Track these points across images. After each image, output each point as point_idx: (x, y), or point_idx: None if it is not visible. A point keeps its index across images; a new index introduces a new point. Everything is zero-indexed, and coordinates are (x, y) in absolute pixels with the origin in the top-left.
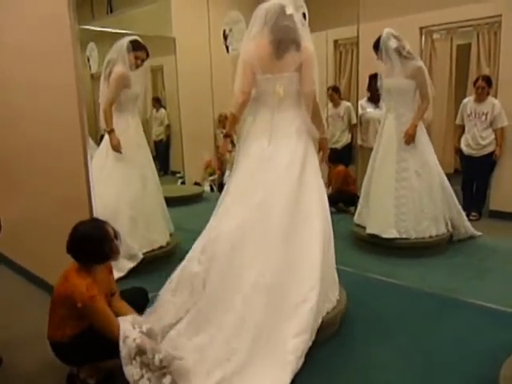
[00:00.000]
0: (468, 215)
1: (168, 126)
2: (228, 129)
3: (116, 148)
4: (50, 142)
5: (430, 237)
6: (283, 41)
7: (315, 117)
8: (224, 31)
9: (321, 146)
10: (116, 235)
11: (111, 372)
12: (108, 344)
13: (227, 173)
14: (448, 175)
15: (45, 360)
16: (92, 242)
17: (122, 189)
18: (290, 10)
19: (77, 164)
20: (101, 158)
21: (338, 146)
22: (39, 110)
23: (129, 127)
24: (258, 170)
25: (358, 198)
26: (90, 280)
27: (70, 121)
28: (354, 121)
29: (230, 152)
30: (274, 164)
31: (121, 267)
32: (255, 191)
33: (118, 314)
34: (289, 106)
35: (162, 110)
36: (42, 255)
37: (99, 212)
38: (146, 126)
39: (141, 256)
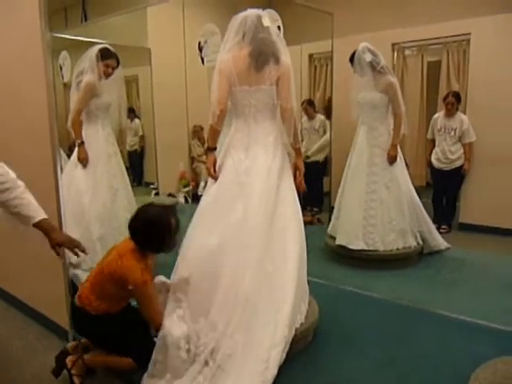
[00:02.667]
0: (438, 228)
1: (142, 137)
2: (210, 142)
3: (83, 161)
4: (20, 154)
5: (398, 249)
6: (263, 53)
7: (292, 130)
8: (199, 43)
9: (296, 165)
10: (177, 229)
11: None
12: (130, 338)
13: (202, 184)
14: (419, 188)
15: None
16: (160, 229)
17: (89, 200)
18: (266, 22)
19: (47, 177)
20: (70, 168)
21: (313, 159)
22: (7, 119)
23: (98, 137)
24: (235, 185)
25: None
26: (143, 265)
27: (39, 131)
28: (328, 134)
29: (205, 163)
30: (251, 178)
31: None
32: (232, 207)
33: None
34: (265, 119)
35: (137, 121)
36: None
37: (68, 227)
38: (120, 136)
39: None
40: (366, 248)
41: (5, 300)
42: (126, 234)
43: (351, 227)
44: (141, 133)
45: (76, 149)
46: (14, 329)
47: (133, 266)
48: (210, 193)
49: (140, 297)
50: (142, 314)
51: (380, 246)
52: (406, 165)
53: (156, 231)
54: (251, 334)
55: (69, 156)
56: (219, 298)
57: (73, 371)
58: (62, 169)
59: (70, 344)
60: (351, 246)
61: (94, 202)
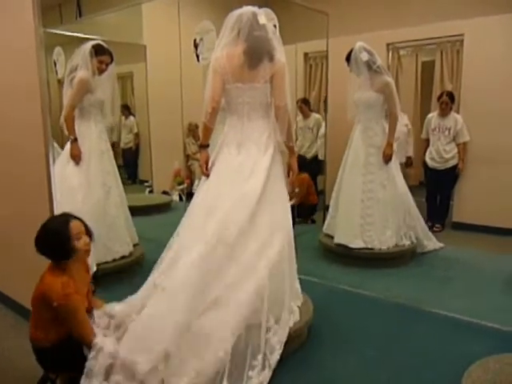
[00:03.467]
0: (432, 227)
1: (137, 134)
2: (203, 139)
3: (76, 158)
4: (12, 149)
5: (393, 247)
6: (257, 51)
7: (285, 128)
8: (195, 40)
9: (289, 165)
10: (88, 231)
11: None
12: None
13: (196, 182)
14: (413, 187)
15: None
16: (52, 236)
17: (83, 197)
18: (262, 20)
19: (39, 174)
20: (62, 165)
21: (308, 156)
22: (1, 116)
23: (91, 134)
24: (226, 183)
25: (316, 209)
26: (64, 278)
27: (33, 127)
28: (322, 133)
29: (199, 161)
30: (242, 175)
31: None
32: (221, 205)
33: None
34: (258, 116)
35: (131, 118)
36: (2, 269)
37: None
38: (112, 133)
39: (94, 268)
40: (364, 246)
41: None
42: (117, 231)
43: (349, 226)
44: (136, 130)
45: (68, 145)
46: (5, 328)
47: (51, 281)
48: (202, 190)
49: (65, 313)
50: (72, 331)
51: (377, 244)
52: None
53: (55, 236)
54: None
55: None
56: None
57: (58, 382)
58: (54, 159)
59: None
60: (351, 245)
61: (88, 199)
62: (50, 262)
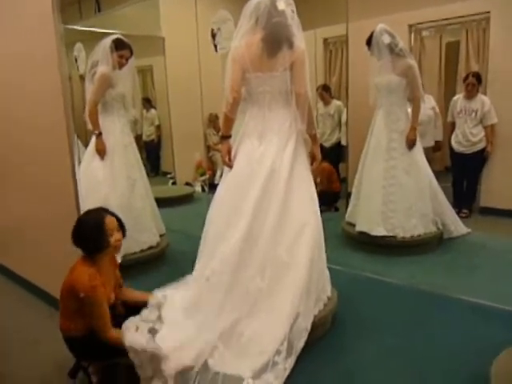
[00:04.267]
0: (459, 212)
1: (158, 127)
2: (224, 130)
3: (101, 153)
4: (36, 148)
5: (419, 235)
6: (276, 38)
7: (307, 116)
8: (212, 30)
9: (312, 153)
10: (121, 227)
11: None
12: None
13: (218, 173)
14: (438, 173)
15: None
16: (89, 229)
17: (108, 190)
18: (281, 6)
19: (64, 170)
20: (88, 159)
21: (328, 144)
22: (24, 114)
23: (115, 128)
24: (248, 173)
25: (339, 196)
26: (92, 270)
27: (56, 125)
28: (344, 119)
29: (220, 151)
30: (265, 167)
31: None
32: (246, 196)
33: (131, 301)
34: (279, 106)
35: (153, 111)
36: (35, 262)
37: None
38: (135, 126)
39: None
40: (386, 234)
41: (9, 277)
42: (144, 223)
43: (371, 213)
44: (157, 122)
45: (93, 140)
46: (39, 319)
47: (79, 272)
48: (226, 182)
49: (89, 305)
50: (91, 323)
51: (400, 231)
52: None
53: (89, 229)
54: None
55: (86, 146)
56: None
57: (90, 369)
58: (79, 161)
59: None
60: (373, 233)
61: (113, 192)
62: (81, 254)
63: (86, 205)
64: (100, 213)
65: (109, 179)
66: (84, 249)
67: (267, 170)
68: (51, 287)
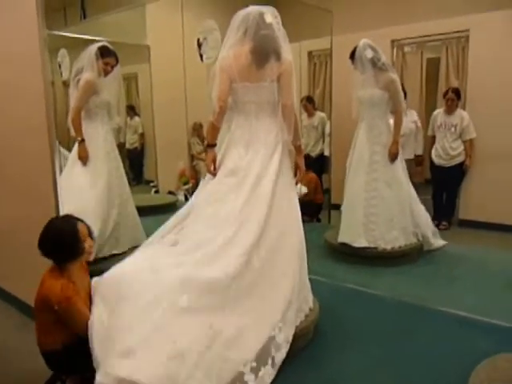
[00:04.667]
0: (438, 225)
1: (142, 135)
2: (210, 138)
3: (83, 159)
4: (18, 151)
5: (400, 247)
6: (264, 50)
7: (292, 127)
8: (198, 39)
9: (296, 164)
10: (90, 234)
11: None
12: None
13: (202, 182)
14: (419, 185)
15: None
16: (60, 237)
17: (88, 197)
18: (269, 19)
19: (45, 175)
20: (70, 165)
21: (313, 155)
22: (6, 117)
23: (98, 135)
24: (235, 184)
25: (321, 207)
26: (64, 280)
27: (37, 129)
28: (328, 131)
29: (204, 161)
30: (251, 176)
31: None
32: (227, 203)
33: None
34: (266, 116)
35: (136, 118)
36: (10, 268)
37: None
38: (119, 134)
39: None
40: (367, 245)
41: (3, 299)
42: (124, 231)
43: (353, 225)
44: (141, 130)
45: (76, 146)
46: (10, 328)
47: (51, 284)
48: (207, 189)
49: (66, 316)
50: (77, 331)
51: (381, 243)
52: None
53: (63, 237)
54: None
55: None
56: None
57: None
58: (61, 168)
59: None
60: (354, 244)
61: (94, 199)
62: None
63: (66, 211)
64: (71, 219)
65: (90, 186)
66: (57, 257)
67: (253, 179)
68: (24, 294)
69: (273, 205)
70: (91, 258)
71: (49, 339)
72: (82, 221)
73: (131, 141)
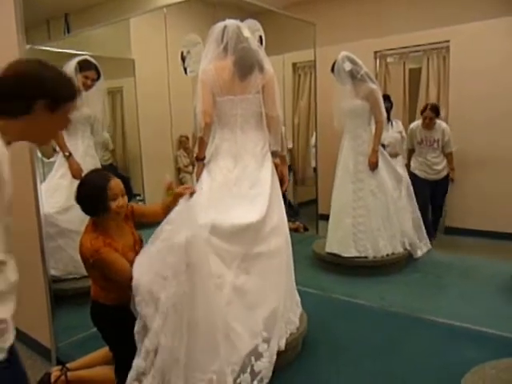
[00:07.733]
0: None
1: (113, 151)
2: (199, 153)
3: (77, 173)
4: None
5: (387, 255)
6: (248, 62)
7: (278, 138)
8: (182, 53)
9: (282, 174)
10: (126, 192)
11: None
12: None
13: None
14: None
15: None
16: (88, 190)
17: (67, 211)
18: (246, 33)
19: (25, 186)
20: (50, 179)
21: None
22: None
23: (77, 150)
24: (226, 193)
25: None
26: (95, 234)
27: (20, 148)
28: (313, 142)
29: (191, 174)
30: (240, 189)
31: None
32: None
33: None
34: (251, 127)
35: (106, 135)
36: None
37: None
38: (106, 149)
39: None
40: (358, 255)
41: None
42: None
43: (342, 235)
44: (111, 147)
45: (58, 161)
46: None
47: (83, 239)
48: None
49: (102, 267)
50: (114, 281)
51: (371, 252)
52: None
53: (83, 190)
54: None
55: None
56: None
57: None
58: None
59: (55, 368)
60: (344, 254)
61: (72, 213)
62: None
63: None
64: (105, 174)
65: (71, 201)
66: (86, 210)
67: (246, 190)
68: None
69: (263, 223)
70: (122, 217)
71: (101, 293)
72: (118, 179)
73: (105, 157)
